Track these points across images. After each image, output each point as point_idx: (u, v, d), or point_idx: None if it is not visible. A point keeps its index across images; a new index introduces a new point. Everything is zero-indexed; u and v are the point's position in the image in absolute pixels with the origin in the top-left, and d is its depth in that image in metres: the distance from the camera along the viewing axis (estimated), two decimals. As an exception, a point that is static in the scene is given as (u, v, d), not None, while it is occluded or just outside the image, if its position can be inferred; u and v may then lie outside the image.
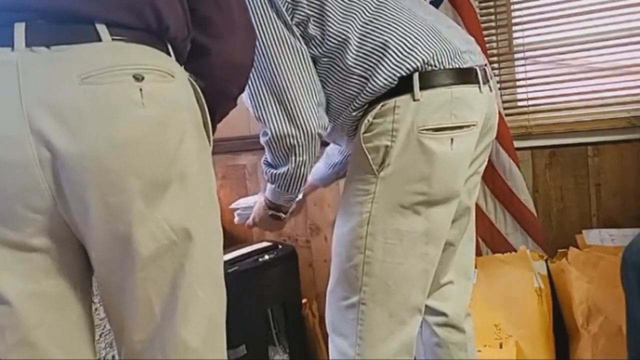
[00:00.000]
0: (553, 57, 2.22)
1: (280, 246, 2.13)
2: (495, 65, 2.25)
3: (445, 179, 1.20)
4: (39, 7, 0.78)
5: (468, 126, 1.21)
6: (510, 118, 2.18)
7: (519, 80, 2.27)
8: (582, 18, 2.14)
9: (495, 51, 2.26)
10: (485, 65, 1.31)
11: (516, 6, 2.23)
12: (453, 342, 1.44)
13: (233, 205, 1.64)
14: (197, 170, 0.89)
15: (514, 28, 2.24)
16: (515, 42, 2.25)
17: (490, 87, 1.30)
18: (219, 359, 0.96)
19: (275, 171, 1.29)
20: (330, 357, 1.32)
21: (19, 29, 0.77)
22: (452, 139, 1.18)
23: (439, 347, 1.44)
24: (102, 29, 0.80)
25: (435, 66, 1.18)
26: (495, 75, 2.16)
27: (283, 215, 1.43)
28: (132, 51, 0.83)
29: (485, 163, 1.40)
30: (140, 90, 0.80)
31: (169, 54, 0.90)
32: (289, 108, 1.20)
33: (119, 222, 0.82)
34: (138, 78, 0.81)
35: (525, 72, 2.25)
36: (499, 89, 2.17)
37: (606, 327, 1.72)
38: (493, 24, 2.26)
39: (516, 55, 2.25)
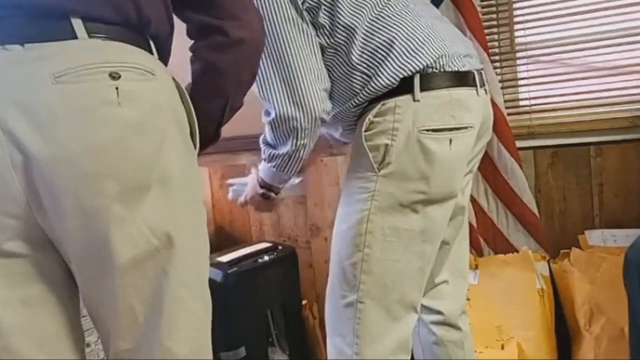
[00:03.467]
0: (555, 56, 2.21)
1: (280, 247, 2.12)
2: (497, 65, 2.23)
3: (444, 179, 1.22)
4: (14, 2, 0.76)
5: (466, 128, 1.23)
6: (512, 118, 2.17)
7: (520, 79, 2.26)
8: (585, 17, 2.13)
9: (497, 50, 2.25)
10: (482, 69, 1.33)
11: (518, 4, 2.22)
12: (451, 340, 1.45)
13: (229, 181, 1.62)
14: (180, 174, 0.86)
15: (516, 27, 2.23)
16: (517, 40, 2.24)
17: (485, 90, 1.32)
18: None
19: (274, 151, 1.29)
20: (329, 357, 1.32)
21: None
22: (450, 140, 1.20)
23: (436, 346, 1.45)
24: (78, 25, 0.78)
25: (436, 68, 1.20)
26: (497, 75, 2.15)
27: (273, 195, 1.43)
28: (110, 49, 0.80)
29: (478, 163, 1.42)
30: (117, 89, 0.77)
31: (151, 52, 0.87)
32: (295, 90, 1.20)
33: (96, 227, 0.79)
34: (114, 76, 0.78)
35: (527, 71, 2.24)
36: (501, 88, 2.16)
37: (608, 328, 1.71)
38: (495, 22, 2.25)
39: (518, 55, 2.24)
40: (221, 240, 2.31)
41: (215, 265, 1.86)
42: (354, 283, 1.24)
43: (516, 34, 2.23)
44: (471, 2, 2.07)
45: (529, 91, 2.25)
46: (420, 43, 1.20)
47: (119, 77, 0.78)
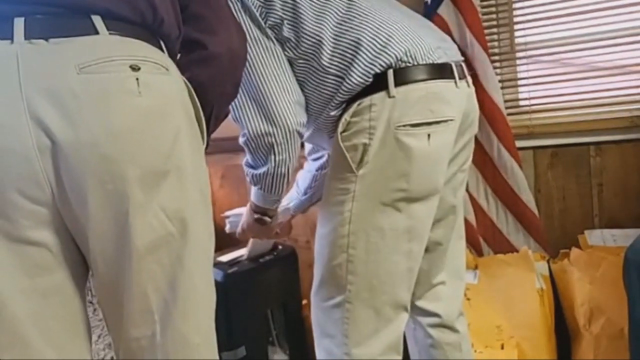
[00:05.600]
0: (555, 56, 2.20)
1: (280, 247, 2.12)
2: (497, 65, 2.23)
3: (424, 175, 1.21)
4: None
5: (445, 121, 1.22)
6: (511, 117, 2.17)
7: (520, 79, 2.25)
8: (584, 17, 2.12)
9: (496, 50, 2.25)
10: (462, 61, 1.32)
11: (518, 5, 2.21)
12: (448, 342, 1.44)
13: (226, 213, 1.63)
14: (192, 166, 0.90)
15: (516, 27, 2.23)
16: (517, 40, 2.23)
17: (467, 82, 1.31)
18: (216, 358, 0.96)
19: (255, 172, 1.30)
20: (318, 358, 1.32)
21: (19, 23, 0.79)
22: (429, 135, 1.19)
23: (433, 348, 1.44)
24: (99, 23, 0.82)
25: (409, 62, 1.19)
26: (496, 75, 2.14)
27: (268, 220, 1.43)
28: (129, 44, 0.85)
29: (470, 161, 1.41)
30: (137, 79, 0.82)
31: (162, 50, 0.91)
32: (265, 106, 1.21)
33: (116, 210, 0.82)
34: (134, 68, 0.82)
35: (527, 71, 2.24)
36: (501, 88, 2.15)
37: (608, 328, 1.71)
38: (495, 22, 2.24)
39: (518, 55, 2.24)
40: (221, 240, 2.31)
41: (215, 265, 1.85)
42: (341, 284, 1.24)
43: (516, 34, 2.23)
44: (471, 2, 2.06)
45: (528, 91, 2.24)
46: (388, 37, 1.20)
47: (139, 69, 0.83)
